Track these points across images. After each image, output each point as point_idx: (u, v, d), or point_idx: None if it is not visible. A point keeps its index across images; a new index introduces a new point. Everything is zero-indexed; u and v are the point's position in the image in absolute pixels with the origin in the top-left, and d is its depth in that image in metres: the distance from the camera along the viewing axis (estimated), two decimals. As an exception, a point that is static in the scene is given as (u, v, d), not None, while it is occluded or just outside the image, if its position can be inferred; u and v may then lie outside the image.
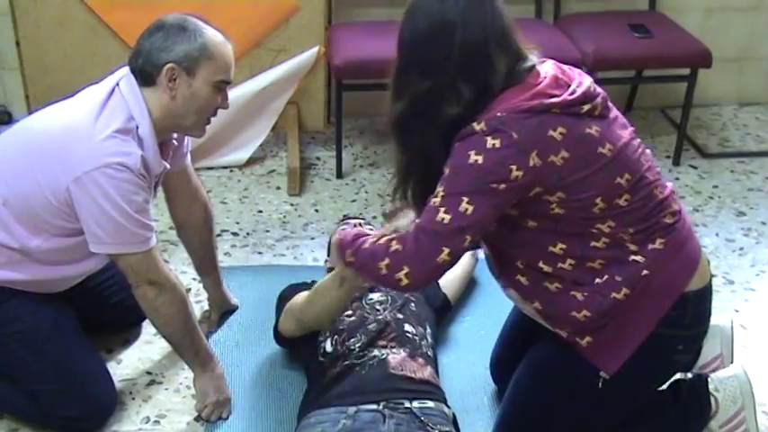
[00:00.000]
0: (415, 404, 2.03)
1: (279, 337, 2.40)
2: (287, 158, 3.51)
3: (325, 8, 3.54)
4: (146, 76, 2.05)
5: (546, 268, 1.83)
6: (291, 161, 3.40)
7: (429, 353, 2.27)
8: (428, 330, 2.36)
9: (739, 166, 3.69)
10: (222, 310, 2.64)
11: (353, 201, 3.35)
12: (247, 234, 3.12)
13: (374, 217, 3.20)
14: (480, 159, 1.69)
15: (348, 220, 2.66)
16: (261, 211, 3.26)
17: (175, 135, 2.24)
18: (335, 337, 2.23)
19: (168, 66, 2.02)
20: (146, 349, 2.52)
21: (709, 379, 2.09)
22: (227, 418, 2.26)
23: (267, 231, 3.14)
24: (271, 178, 3.48)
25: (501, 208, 1.75)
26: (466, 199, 1.70)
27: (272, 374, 2.43)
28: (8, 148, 2.11)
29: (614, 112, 1.87)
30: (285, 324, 2.33)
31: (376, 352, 2.16)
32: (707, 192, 3.48)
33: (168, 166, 2.18)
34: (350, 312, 2.30)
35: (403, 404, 2.02)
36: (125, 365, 2.46)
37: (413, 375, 2.12)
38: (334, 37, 3.46)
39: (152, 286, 2.10)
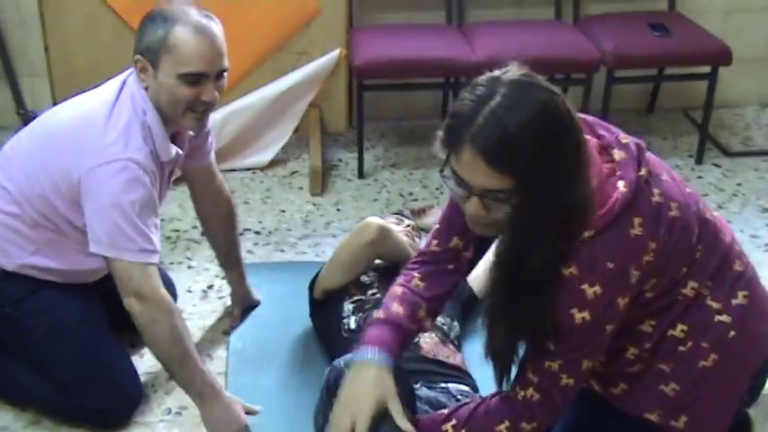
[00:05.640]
0: (452, 386, 2.06)
1: (313, 298, 2.46)
2: (309, 159, 3.54)
3: (346, 11, 3.59)
4: None
5: (632, 350, 1.71)
6: (313, 161, 3.44)
7: (457, 343, 2.30)
8: (455, 323, 2.40)
9: (763, 164, 3.67)
10: (245, 306, 2.67)
11: (375, 200, 3.37)
12: (269, 233, 3.15)
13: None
14: (587, 315, 1.55)
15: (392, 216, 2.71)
16: (283, 211, 3.29)
17: None
18: (359, 314, 2.27)
19: (135, 57, 2.05)
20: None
21: None
22: None
23: (289, 230, 3.17)
24: (293, 179, 3.52)
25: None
26: (586, 359, 1.63)
27: (295, 368, 2.44)
28: (26, 141, 2.17)
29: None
30: (324, 273, 2.43)
31: None
32: (730, 189, 3.47)
33: (181, 152, 2.19)
34: (374, 291, 2.33)
35: (439, 384, 2.05)
36: (147, 359, 2.48)
37: (445, 360, 2.16)
38: (354, 39, 3.50)
39: (137, 299, 2.02)
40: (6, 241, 2.14)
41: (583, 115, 1.69)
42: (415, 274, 1.86)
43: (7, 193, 2.13)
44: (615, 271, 1.55)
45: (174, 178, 2.35)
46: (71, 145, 2.03)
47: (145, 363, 2.46)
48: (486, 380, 2.27)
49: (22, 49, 3.63)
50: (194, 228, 3.15)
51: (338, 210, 3.30)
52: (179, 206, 3.28)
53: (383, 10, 3.72)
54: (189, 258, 2.99)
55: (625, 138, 1.68)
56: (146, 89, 2.06)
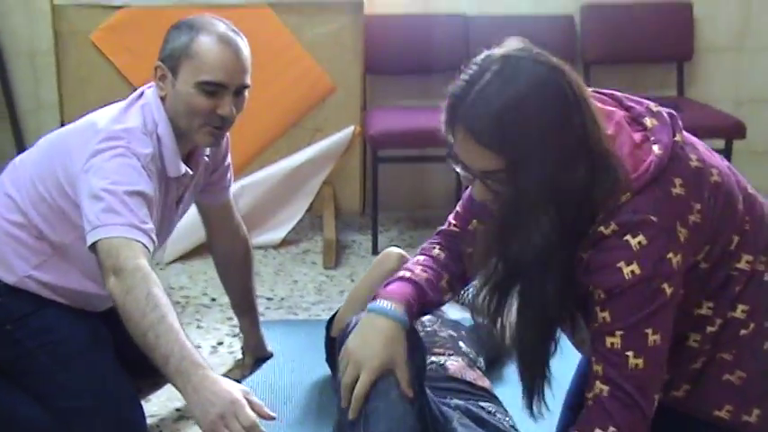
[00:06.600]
0: (482, 403, 1.94)
1: (330, 338, 2.33)
2: (322, 233, 3.49)
3: (360, 89, 3.65)
4: None
5: (693, 337, 1.59)
6: (327, 233, 3.38)
7: (484, 371, 2.19)
8: (480, 358, 2.28)
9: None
10: (257, 356, 2.55)
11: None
12: (282, 299, 3.06)
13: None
14: (635, 268, 1.44)
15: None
16: (296, 281, 3.21)
17: (207, 151, 2.22)
18: None
19: (156, 64, 2.03)
20: (174, 390, 2.40)
21: None
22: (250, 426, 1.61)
23: (302, 297, 3.08)
24: (306, 256, 3.45)
25: (674, 309, 1.51)
26: (649, 329, 1.46)
27: (309, 417, 2.30)
28: (35, 151, 2.13)
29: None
30: (343, 309, 2.29)
31: (433, 359, 2.09)
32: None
33: (191, 172, 2.13)
34: None
35: (469, 401, 1.94)
36: (153, 404, 2.35)
37: (473, 382, 2.04)
38: (369, 116, 3.55)
39: (115, 275, 1.76)
40: (10, 251, 2.06)
41: (609, 91, 1.66)
42: (436, 247, 1.79)
43: (13, 202, 2.07)
44: (659, 224, 1.46)
45: (183, 207, 2.26)
46: (75, 146, 1.97)
47: (150, 407, 2.33)
48: (516, 407, 2.15)
49: (36, 135, 3.65)
50: (204, 294, 3.07)
51: (352, 281, 3.21)
52: (189, 277, 3.22)
53: (396, 95, 3.77)
54: (198, 320, 2.89)
55: (656, 107, 1.63)
56: (163, 99, 2.03)
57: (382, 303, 1.64)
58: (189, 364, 1.67)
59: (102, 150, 1.91)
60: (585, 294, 1.51)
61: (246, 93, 2.06)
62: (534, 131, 1.42)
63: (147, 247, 1.83)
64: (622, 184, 1.48)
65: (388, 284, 1.70)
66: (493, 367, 2.46)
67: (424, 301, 1.69)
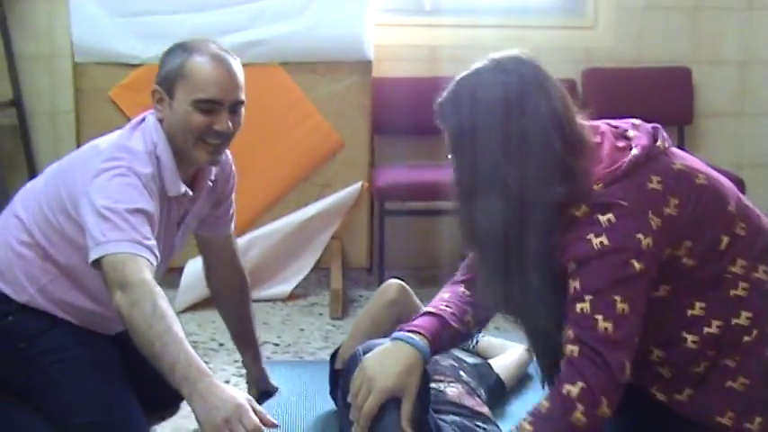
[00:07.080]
0: (477, 422, 1.95)
1: (334, 370, 2.36)
2: (330, 287, 3.53)
3: (368, 146, 3.75)
4: None
5: (691, 339, 1.62)
6: (334, 284, 3.44)
7: (484, 400, 2.21)
8: (481, 390, 2.30)
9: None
10: (261, 389, 2.55)
11: (396, 322, 3.33)
12: (288, 345, 3.10)
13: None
14: (604, 239, 1.54)
15: None
16: (303, 330, 3.26)
17: (213, 175, 2.27)
18: None
19: (153, 88, 2.11)
20: (181, 422, 2.44)
21: None
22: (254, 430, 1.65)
23: (308, 343, 3.12)
24: (313, 308, 3.50)
25: (649, 289, 1.59)
26: (618, 297, 1.53)
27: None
28: (43, 177, 2.21)
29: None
30: (346, 342, 2.34)
31: (433, 385, 2.10)
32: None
33: (191, 192, 2.17)
34: None
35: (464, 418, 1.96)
36: (160, 434, 2.39)
37: (472, 407, 2.05)
38: (376, 173, 3.65)
39: (121, 290, 1.81)
40: (20, 270, 2.12)
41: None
42: (461, 285, 1.86)
43: (21, 222, 2.14)
44: (630, 209, 1.55)
45: (184, 229, 2.30)
46: (79, 167, 2.05)
47: (155, 436, 2.37)
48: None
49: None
50: (212, 340, 3.12)
51: (359, 330, 3.26)
52: (198, 325, 3.27)
53: (403, 155, 3.86)
54: (206, 362, 2.86)
55: (639, 122, 1.74)
56: (161, 121, 2.10)
57: (407, 334, 1.71)
58: (195, 372, 1.71)
59: (104, 170, 1.98)
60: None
61: (242, 110, 2.12)
62: (465, 125, 1.62)
63: (150, 263, 1.89)
64: (593, 177, 1.58)
65: (414, 320, 1.77)
66: (495, 404, 2.48)
67: (449, 332, 1.75)
